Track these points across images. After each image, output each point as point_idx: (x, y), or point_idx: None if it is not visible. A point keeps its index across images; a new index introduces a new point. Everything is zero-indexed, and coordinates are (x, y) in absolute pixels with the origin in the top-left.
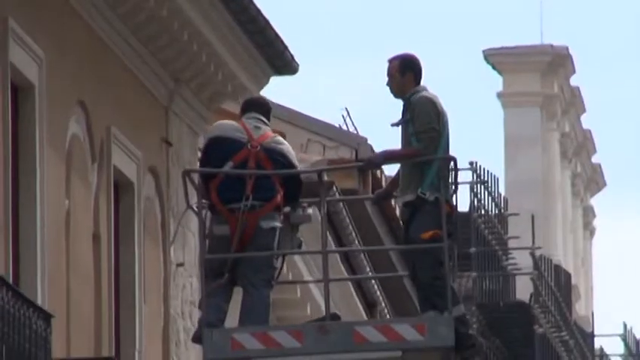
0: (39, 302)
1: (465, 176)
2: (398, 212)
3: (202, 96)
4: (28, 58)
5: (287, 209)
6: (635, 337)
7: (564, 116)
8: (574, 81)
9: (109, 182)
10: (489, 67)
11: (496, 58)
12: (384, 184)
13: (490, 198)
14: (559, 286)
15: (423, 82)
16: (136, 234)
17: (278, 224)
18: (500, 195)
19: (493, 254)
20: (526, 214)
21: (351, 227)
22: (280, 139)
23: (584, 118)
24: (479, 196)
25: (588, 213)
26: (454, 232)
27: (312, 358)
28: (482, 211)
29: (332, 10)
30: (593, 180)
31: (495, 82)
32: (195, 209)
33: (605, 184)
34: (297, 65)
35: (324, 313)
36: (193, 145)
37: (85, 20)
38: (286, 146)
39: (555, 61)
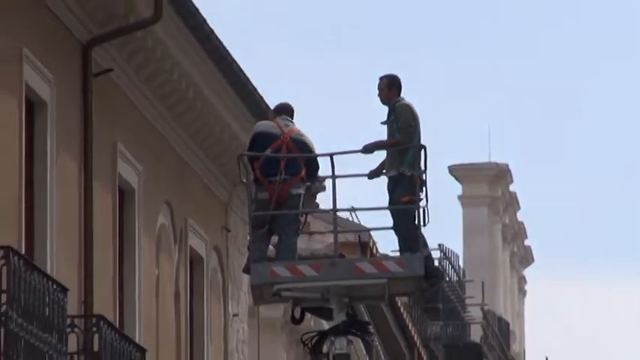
0: (137, 339)
1: (434, 254)
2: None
3: None
4: (131, 170)
5: (308, 183)
6: None
7: (505, 213)
8: (512, 188)
9: (186, 257)
10: (452, 178)
11: (457, 171)
12: None
13: (453, 269)
14: (501, 331)
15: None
16: (205, 294)
17: (302, 191)
18: (460, 267)
19: (455, 309)
20: (478, 281)
21: (366, 317)
22: (302, 131)
23: (519, 213)
24: (445, 268)
25: (522, 281)
26: (425, 197)
27: (325, 284)
28: (447, 278)
29: (341, 115)
30: (525, 257)
31: (457, 188)
32: (246, 182)
33: (533, 260)
34: None
35: None
36: (245, 232)
37: (173, 146)
38: (307, 137)
39: (499, 174)
